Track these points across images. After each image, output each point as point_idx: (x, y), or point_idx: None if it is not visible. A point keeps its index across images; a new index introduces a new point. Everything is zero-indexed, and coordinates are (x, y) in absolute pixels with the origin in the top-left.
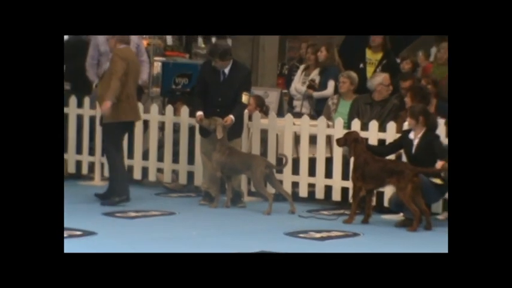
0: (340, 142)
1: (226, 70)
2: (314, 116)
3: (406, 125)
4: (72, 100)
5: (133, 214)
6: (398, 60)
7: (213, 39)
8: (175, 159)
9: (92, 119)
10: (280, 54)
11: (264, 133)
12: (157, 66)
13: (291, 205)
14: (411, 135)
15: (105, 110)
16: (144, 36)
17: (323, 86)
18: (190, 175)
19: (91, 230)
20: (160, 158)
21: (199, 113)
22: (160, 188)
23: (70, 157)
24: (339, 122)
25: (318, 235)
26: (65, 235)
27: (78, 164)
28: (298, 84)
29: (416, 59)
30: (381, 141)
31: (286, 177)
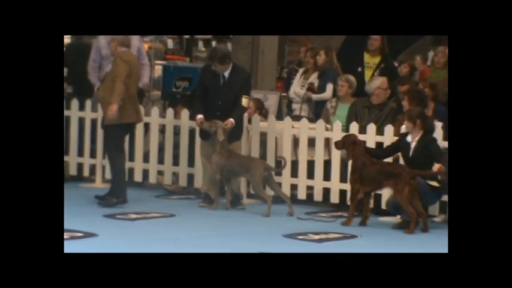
0: (338, 145)
1: (226, 74)
2: (313, 119)
3: (403, 128)
4: (74, 103)
5: (133, 216)
6: (396, 64)
7: (213, 43)
8: (176, 161)
9: (94, 122)
10: (279, 58)
11: (263, 136)
12: (158, 70)
13: (289, 207)
14: (408, 138)
15: (112, 113)
16: (145, 39)
17: (322, 89)
18: (190, 177)
19: (92, 232)
20: (160, 161)
21: (200, 116)
22: (161, 190)
23: (72, 159)
24: (338, 125)
25: (317, 237)
26: (66, 236)
27: (80, 166)
28: (297, 88)
29: (413, 63)
30: (379, 144)
31: (285, 179)
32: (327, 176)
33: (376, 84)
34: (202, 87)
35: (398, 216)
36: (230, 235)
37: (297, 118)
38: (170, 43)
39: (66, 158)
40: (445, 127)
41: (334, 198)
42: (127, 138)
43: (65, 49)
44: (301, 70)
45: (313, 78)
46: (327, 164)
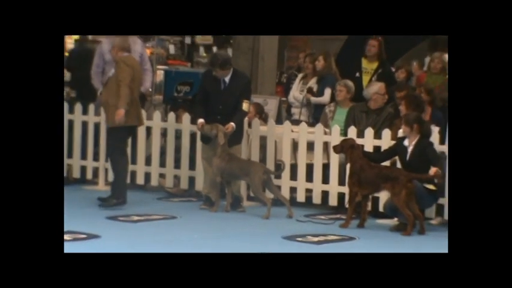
0: (337, 149)
1: (227, 79)
2: (312, 123)
3: (400, 133)
4: (78, 107)
5: (136, 218)
6: (393, 70)
7: (214, 49)
8: (177, 164)
9: (97, 126)
10: (279, 64)
11: (263, 140)
12: (160, 75)
13: (288, 210)
14: (406, 142)
15: (119, 117)
16: (147, 45)
17: (320, 94)
18: (192, 180)
19: (95, 233)
20: (162, 164)
21: (201, 120)
22: (162, 193)
23: (75, 162)
24: (336, 129)
25: (315, 239)
26: (69, 238)
27: (83, 169)
28: (296, 92)
29: (410, 68)
30: (377, 148)
31: (285, 182)
32: (325, 179)
33: (374, 89)
34: (203, 92)
35: (396, 219)
36: (230, 237)
37: (296, 122)
38: (172, 48)
39: (69, 161)
40: (441, 132)
41: (333, 201)
42: (129, 141)
43: (68, 54)
44: (300, 75)
45: (312, 83)
46: (326, 167)
